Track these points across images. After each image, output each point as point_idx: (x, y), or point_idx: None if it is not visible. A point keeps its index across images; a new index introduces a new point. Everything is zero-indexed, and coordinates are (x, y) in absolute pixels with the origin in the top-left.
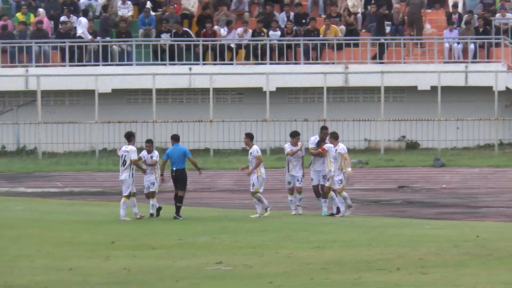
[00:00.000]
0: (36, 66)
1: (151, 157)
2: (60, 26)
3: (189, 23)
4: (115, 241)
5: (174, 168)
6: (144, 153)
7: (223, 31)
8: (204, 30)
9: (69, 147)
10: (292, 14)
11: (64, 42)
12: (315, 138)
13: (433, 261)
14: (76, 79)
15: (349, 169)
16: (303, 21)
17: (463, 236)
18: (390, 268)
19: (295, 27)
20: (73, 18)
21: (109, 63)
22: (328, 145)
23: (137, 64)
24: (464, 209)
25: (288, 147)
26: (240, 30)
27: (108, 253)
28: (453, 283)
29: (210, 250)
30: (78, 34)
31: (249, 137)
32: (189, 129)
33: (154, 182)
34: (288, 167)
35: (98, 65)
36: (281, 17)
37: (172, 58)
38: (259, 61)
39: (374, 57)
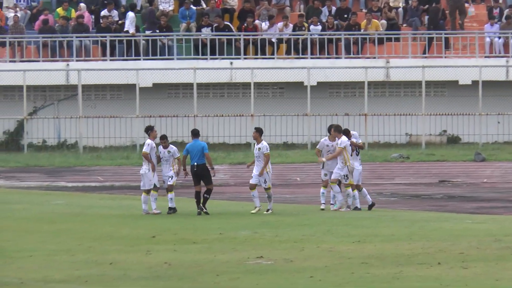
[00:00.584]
0: (77, 61)
1: (168, 152)
2: (101, 21)
3: (230, 18)
4: (156, 235)
5: (196, 163)
6: (160, 148)
7: (264, 25)
8: (245, 24)
9: (110, 141)
10: (333, 8)
11: (105, 37)
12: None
13: (474, 256)
14: (117, 73)
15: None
16: (345, 15)
17: (503, 230)
18: (430, 262)
19: (336, 22)
20: (114, 12)
21: (150, 57)
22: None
23: (178, 59)
24: (504, 204)
25: (324, 142)
26: (281, 24)
27: (149, 247)
28: (494, 277)
29: (251, 245)
30: (125, 29)
31: (259, 132)
32: (230, 124)
33: (172, 176)
34: (322, 164)
35: (139, 59)
36: (323, 11)
37: (213, 53)
38: (300, 56)
39: (424, 52)
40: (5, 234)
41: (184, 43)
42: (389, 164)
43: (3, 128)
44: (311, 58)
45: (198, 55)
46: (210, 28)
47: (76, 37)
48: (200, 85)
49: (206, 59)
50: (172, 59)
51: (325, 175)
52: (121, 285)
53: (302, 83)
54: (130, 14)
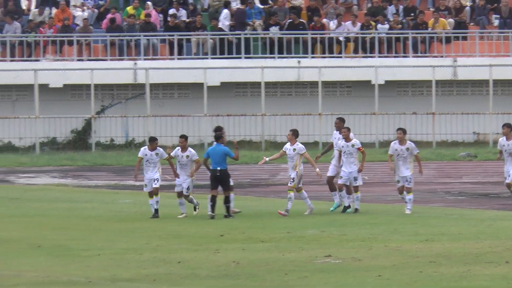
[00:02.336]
0: (145, 59)
1: (156, 154)
2: (168, 19)
3: (298, 16)
4: (224, 234)
5: (219, 168)
6: (146, 150)
7: (331, 24)
8: (313, 23)
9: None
10: (401, 7)
11: (173, 35)
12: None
13: None
14: (185, 72)
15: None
16: (411, 14)
17: None
18: (498, 261)
19: (403, 20)
20: (182, 11)
21: (218, 56)
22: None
23: (245, 57)
24: None
25: (393, 146)
26: (348, 23)
27: (217, 246)
28: None
29: (319, 243)
30: (219, 26)
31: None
32: (297, 122)
33: (158, 179)
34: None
35: (207, 58)
36: (390, 10)
37: (281, 51)
38: (368, 54)
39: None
40: (73, 233)
41: (252, 41)
42: (456, 163)
43: (71, 127)
44: (379, 57)
45: (266, 53)
46: (278, 26)
47: (144, 35)
48: (267, 84)
49: (274, 57)
50: (240, 57)
51: (398, 182)
52: (189, 284)
53: (369, 81)
54: (225, 11)
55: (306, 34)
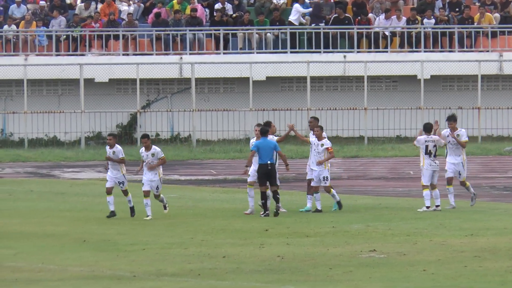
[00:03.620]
0: (190, 54)
1: (113, 153)
2: (214, 14)
3: (343, 11)
4: (269, 228)
5: (269, 162)
6: (106, 148)
7: (377, 18)
8: (359, 17)
9: (223, 134)
10: (447, 2)
11: (219, 30)
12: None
13: None
14: (231, 66)
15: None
16: (457, 9)
17: None
18: None
19: (449, 15)
20: (228, 5)
21: (264, 50)
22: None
23: (291, 52)
24: None
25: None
26: (394, 17)
27: (262, 240)
28: None
29: (364, 238)
30: (289, 19)
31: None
32: (343, 117)
33: (124, 181)
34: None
35: (253, 52)
36: (436, 5)
37: (326, 46)
38: (414, 49)
39: None
40: (119, 227)
41: (298, 36)
42: (502, 157)
43: (116, 121)
44: (424, 51)
45: (312, 48)
46: (323, 21)
47: (190, 30)
48: (313, 78)
49: (320, 52)
50: (286, 52)
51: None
52: (233, 278)
53: (415, 76)
54: (296, 6)
55: (352, 28)
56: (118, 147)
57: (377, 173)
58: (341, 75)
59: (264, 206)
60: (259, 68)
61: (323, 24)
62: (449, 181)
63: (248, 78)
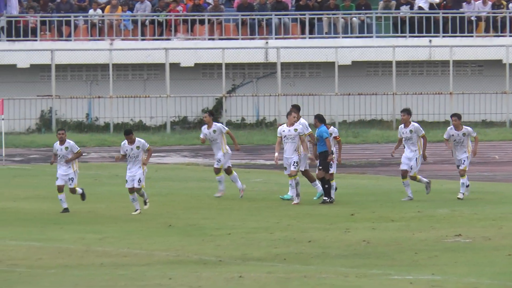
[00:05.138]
0: (276, 38)
1: (66, 148)
2: None
3: None
4: (354, 213)
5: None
6: (56, 145)
7: (463, 3)
8: (444, 2)
9: (308, 119)
10: None
11: (304, 14)
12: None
13: None
14: (316, 51)
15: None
16: None
17: None
18: None
19: None
20: None
21: (349, 35)
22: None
23: (377, 36)
24: None
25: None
26: (479, 2)
27: (347, 225)
28: None
29: (449, 223)
30: (419, 5)
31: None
32: (428, 102)
33: (73, 178)
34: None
35: (338, 37)
36: None
37: (412, 30)
38: (499, 34)
39: None
40: (205, 212)
41: (383, 21)
42: None
43: (202, 106)
44: (510, 36)
45: (397, 33)
46: (409, 6)
47: (275, 15)
48: (399, 63)
49: (405, 37)
50: (371, 37)
51: (458, 166)
52: (319, 263)
53: (500, 61)
54: None
55: (438, 13)
56: (70, 142)
57: None
58: (427, 59)
59: (327, 191)
60: (344, 53)
61: (408, 8)
62: (404, 174)
63: (333, 63)
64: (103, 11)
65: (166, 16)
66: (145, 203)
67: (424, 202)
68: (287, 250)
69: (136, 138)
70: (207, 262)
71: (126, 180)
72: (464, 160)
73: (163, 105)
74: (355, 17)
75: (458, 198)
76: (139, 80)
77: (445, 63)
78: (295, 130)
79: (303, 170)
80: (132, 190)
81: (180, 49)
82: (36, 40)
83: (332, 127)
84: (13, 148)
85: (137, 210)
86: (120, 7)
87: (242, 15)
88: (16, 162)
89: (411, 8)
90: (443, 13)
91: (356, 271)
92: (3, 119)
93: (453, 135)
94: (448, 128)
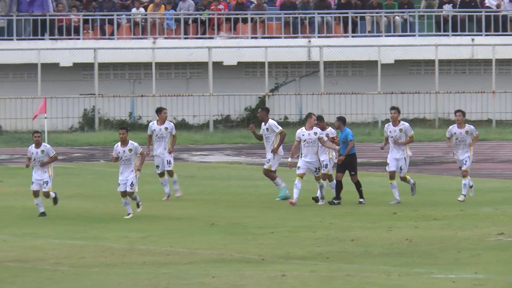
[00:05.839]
0: (319, 37)
1: (42, 152)
2: None
3: None
4: (397, 211)
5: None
6: (31, 148)
7: (503, 2)
8: (486, 0)
9: (351, 118)
10: None
11: (347, 13)
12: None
13: None
14: (359, 50)
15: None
16: None
17: None
18: None
19: None
20: None
21: (392, 34)
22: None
23: (419, 35)
24: None
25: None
26: None
27: (390, 223)
28: None
29: (492, 221)
30: (487, 4)
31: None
32: (471, 100)
33: (48, 181)
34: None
35: (381, 36)
36: None
37: (454, 29)
38: None
39: None
40: (248, 210)
41: (426, 19)
42: None
43: (245, 105)
44: None
45: (440, 31)
46: (451, 4)
47: (318, 13)
48: (441, 62)
49: (448, 35)
50: (414, 35)
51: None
52: (362, 262)
53: None
54: None
55: (480, 12)
56: (46, 146)
57: (505, 156)
58: (469, 58)
59: (337, 193)
60: (387, 51)
61: (450, 6)
62: (392, 175)
63: (376, 61)
64: (146, 10)
65: (209, 14)
66: (138, 206)
67: (467, 201)
68: (330, 249)
69: (130, 141)
70: (250, 261)
71: (119, 184)
72: (466, 161)
73: (206, 103)
74: (398, 15)
75: (459, 201)
76: (182, 78)
77: (487, 62)
78: (315, 133)
79: (274, 169)
80: (124, 194)
81: (223, 47)
82: (79, 39)
83: (329, 127)
84: (56, 146)
85: (129, 214)
86: (163, 6)
87: (285, 14)
88: (59, 161)
89: (454, 6)
90: (486, 11)
91: (398, 269)
92: (46, 118)
93: (455, 133)
94: (450, 126)
